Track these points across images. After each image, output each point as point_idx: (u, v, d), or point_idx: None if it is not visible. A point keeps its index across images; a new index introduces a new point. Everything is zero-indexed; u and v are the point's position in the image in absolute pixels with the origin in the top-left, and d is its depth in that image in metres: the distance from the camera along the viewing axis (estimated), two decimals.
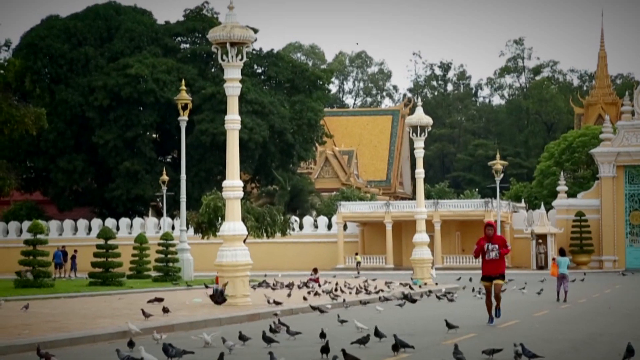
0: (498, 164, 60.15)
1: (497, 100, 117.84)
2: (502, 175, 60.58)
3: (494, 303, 18.62)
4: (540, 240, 61.23)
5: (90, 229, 64.69)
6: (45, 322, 17.25)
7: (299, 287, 31.66)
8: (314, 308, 21.29)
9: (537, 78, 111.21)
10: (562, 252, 28.27)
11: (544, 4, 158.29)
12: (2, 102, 46.53)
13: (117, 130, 67.24)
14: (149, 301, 23.22)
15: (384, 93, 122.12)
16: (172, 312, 19.74)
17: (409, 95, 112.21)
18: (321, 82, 73.89)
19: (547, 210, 63.11)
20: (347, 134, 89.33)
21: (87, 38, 70.40)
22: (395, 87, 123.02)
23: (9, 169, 52.34)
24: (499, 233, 18.81)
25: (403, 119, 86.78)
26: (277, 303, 22.62)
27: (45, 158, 68.69)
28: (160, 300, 22.97)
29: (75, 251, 50.78)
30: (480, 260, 18.83)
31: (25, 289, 29.82)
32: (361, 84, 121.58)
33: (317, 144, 76.43)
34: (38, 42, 68.87)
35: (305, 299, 24.21)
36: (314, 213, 69.49)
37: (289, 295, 25.19)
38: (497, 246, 18.51)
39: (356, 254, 59.42)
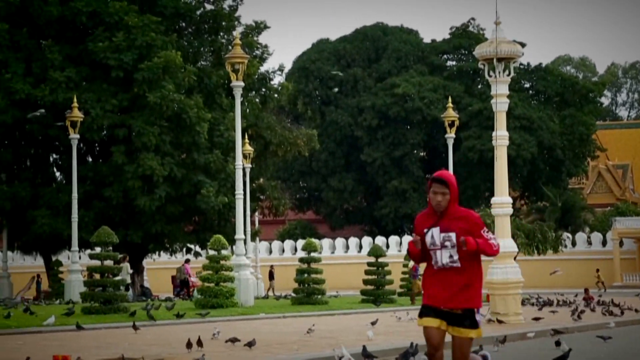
0: None
1: None
2: None
3: None
4: None
5: (360, 247, 65.87)
6: (321, 339, 17.68)
7: (566, 304, 30.62)
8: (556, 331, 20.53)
9: None
10: None
11: None
12: (276, 125, 48.53)
13: (385, 149, 68.31)
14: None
15: None
16: None
17: None
18: (592, 95, 71.88)
19: None
20: (621, 147, 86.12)
21: (356, 59, 72.07)
22: None
23: (283, 190, 54.46)
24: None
25: None
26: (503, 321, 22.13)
27: (317, 178, 70.85)
28: None
29: None
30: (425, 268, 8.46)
31: (301, 305, 30.73)
32: (636, 95, 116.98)
33: (589, 159, 74.22)
34: (309, 65, 71.31)
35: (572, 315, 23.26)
36: (587, 229, 67.39)
37: (578, 315, 24.07)
38: (453, 236, 7.95)
39: (597, 270, 56.78)
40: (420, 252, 8.23)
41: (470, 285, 8.06)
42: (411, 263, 38.20)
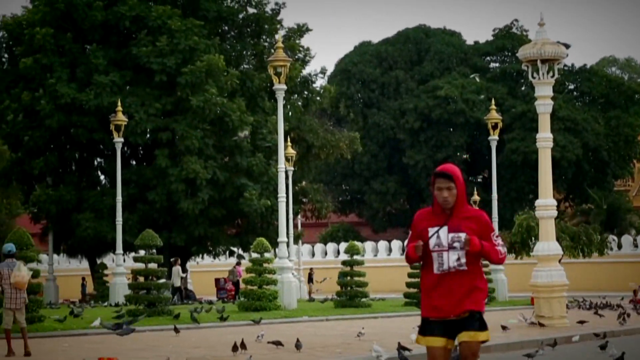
0: None
1: None
2: None
3: None
4: None
5: (403, 250, 65.57)
6: (365, 342, 17.69)
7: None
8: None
9: None
10: None
11: None
12: (319, 127, 48.62)
13: (427, 151, 68.10)
14: None
15: None
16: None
17: None
18: (638, 97, 71.24)
19: None
20: None
21: (398, 62, 71.90)
22: None
23: (325, 193, 54.48)
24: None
25: None
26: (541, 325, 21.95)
27: (359, 180, 70.80)
28: None
29: None
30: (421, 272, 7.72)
31: (344, 308, 30.71)
32: None
33: (634, 161, 73.49)
34: (351, 68, 71.28)
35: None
36: (633, 232, 66.69)
37: (623, 318, 23.76)
38: (462, 237, 7.29)
39: None
40: (418, 258, 7.45)
41: (475, 288, 7.43)
42: None
